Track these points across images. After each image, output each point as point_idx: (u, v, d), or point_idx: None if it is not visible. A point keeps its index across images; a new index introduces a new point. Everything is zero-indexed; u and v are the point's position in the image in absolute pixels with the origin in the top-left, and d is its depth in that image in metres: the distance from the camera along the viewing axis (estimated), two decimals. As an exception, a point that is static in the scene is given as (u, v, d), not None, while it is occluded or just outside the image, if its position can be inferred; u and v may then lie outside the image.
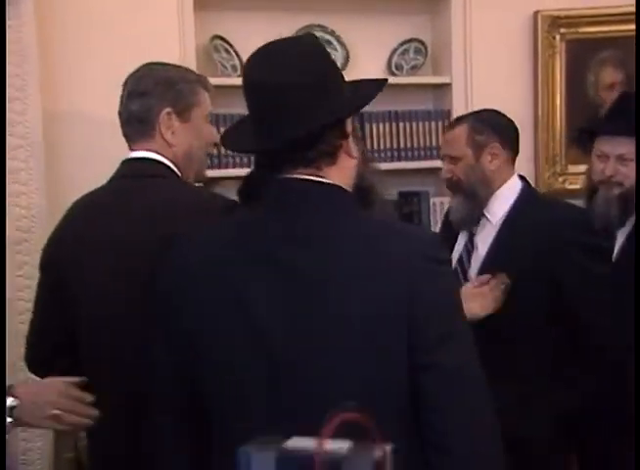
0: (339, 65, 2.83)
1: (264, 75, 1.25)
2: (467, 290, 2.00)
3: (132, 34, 2.65)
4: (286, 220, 1.26)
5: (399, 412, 1.23)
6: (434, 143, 3.07)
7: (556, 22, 3.10)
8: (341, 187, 1.29)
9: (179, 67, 1.82)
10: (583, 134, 2.47)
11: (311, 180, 1.26)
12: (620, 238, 2.28)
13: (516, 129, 2.21)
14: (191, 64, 2.76)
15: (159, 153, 1.69)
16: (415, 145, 3.06)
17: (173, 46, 2.75)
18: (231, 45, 2.93)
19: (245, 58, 2.84)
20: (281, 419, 1.19)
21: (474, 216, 2.09)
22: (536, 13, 3.09)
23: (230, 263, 1.27)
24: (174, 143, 1.69)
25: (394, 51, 3.11)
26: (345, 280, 1.22)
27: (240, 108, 2.92)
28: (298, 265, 1.23)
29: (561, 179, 3.16)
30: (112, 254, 1.62)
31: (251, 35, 2.80)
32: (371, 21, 3.06)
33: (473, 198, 2.16)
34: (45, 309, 1.78)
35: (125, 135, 1.73)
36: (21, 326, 2.36)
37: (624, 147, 2.21)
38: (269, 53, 1.30)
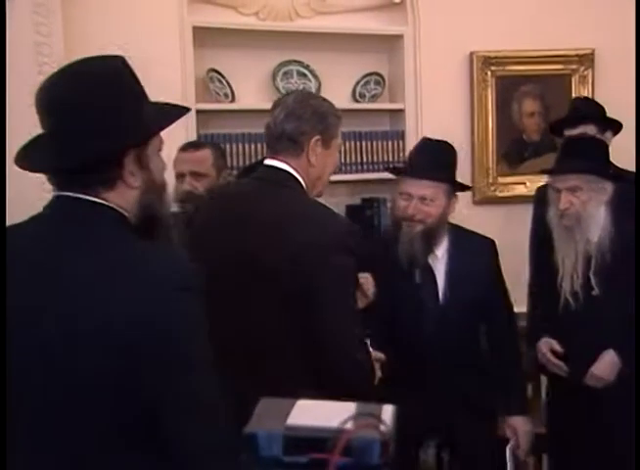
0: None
1: (60, 91, 1.18)
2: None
3: (141, 68, 2.83)
4: (51, 234, 1.18)
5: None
6: (390, 158, 3.26)
7: (488, 61, 3.31)
8: (112, 208, 1.20)
9: (328, 102, 1.88)
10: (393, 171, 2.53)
11: (84, 199, 1.18)
12: (441, 267, 2.29)
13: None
14: (190, 91, 2.95)
15: (296, 169, 1.77)
16: (375, 159, 3.25)
17: (176, 77, 2.91)
18: (224, 76, 3.08)
19: (235, 87, 3.18)
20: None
21: None
22: (472, 53, 3.30)
23: (10, 274, 1.16)
24: (314, 164, 1.78)
25: (358, 82, 3.29)
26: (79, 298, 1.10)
27: (232, 128, 3.21)
28: (58, 275, 1.13)
29: (492, 188, 3.36)
30: (229, 246, 1.70)
31: (240, 69, 3.13)
32: (339, 57, 3.24)
33: None
34: None
35: (270, 146, 1.82)
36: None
37: (427, 190, 2.22)
38: (67, 72, 1.21)
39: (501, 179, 3.29)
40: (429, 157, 2.30)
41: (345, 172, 3.19)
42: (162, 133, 3.00)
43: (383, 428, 0.81)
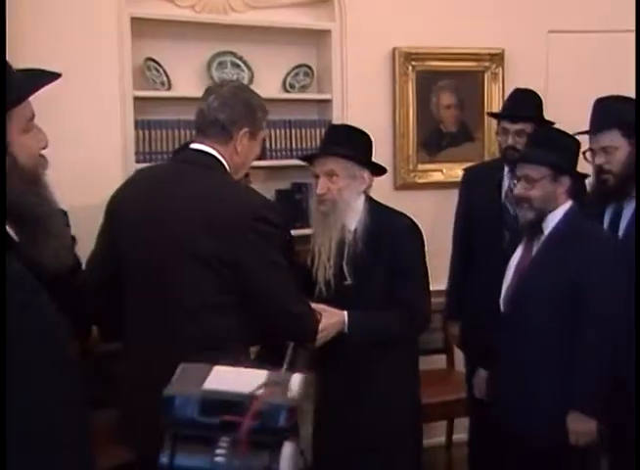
0: (245, 83, 3.17)
1: None
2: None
3: (81, 57, 2.83)
4: None
5: None
6: (318, 145, 3.21)
7: (409, 56, 3.43)
8: None
9: (258, 96, 1.96)
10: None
11: None
12: None
13: None
14: (128, 79, 2.98)
15: (222, 155, 1.86)
16: (304, 146, 3.30)
17: (114, 65, 2.95)
18: (160, 65, 3.14)
19: (172, 76, 3.26)
20: None
21: None
22: (394, 49, 3.42)
23: None
24: (240, 153, 1.87)
25: (288, 73, 3.36)
26: None
27: (167, 114, 3.27)
28: None
29: (412, 174, 3.48)
30: (152, 220, 1.80)
31: (176, 58, 3.17)
32: (271, 49, 3.32)
33: None
34: (97, 246, 1.96)
35: (200, 130, 1.89)
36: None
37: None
38: None
39: (420, 166, 3.41)
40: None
41: (276, 158, 3.26)
42: (96, 116, 2.99)
43: (290, 395, 0.86)
